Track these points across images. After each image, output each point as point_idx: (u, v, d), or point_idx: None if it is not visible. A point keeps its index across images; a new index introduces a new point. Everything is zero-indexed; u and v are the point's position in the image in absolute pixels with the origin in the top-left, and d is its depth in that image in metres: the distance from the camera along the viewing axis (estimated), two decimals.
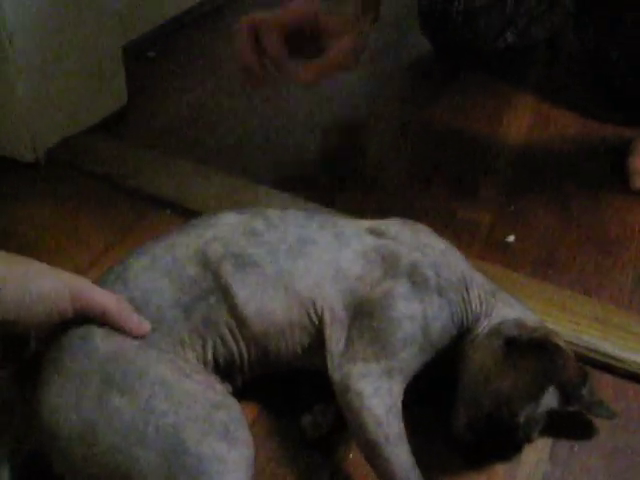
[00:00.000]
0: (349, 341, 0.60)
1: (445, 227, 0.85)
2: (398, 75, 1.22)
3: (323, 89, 1.04)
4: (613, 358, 0.71)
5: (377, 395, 0.57)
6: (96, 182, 0.92)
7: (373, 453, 0.56)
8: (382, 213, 0.72)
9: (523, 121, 1.09)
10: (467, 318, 0.64)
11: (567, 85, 1.17)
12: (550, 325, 0.70)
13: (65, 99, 0.95)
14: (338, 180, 0.96)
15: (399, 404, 0.58)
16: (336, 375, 0.59)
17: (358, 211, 0.78)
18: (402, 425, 0.57)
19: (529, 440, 0.61)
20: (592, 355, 0.72)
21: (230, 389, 0.60)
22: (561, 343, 0.60)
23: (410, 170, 0.99)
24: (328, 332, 0.60)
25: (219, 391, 0.56)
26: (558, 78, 1.20)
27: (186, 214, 0.84)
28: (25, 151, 0.92)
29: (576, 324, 0.74)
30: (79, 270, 0.78)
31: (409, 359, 0.60)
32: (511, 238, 0.87)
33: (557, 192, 0.96)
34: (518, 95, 1.15)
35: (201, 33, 1.30)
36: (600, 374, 0.71)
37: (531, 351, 0.60)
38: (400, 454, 0.56)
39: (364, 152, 1.06)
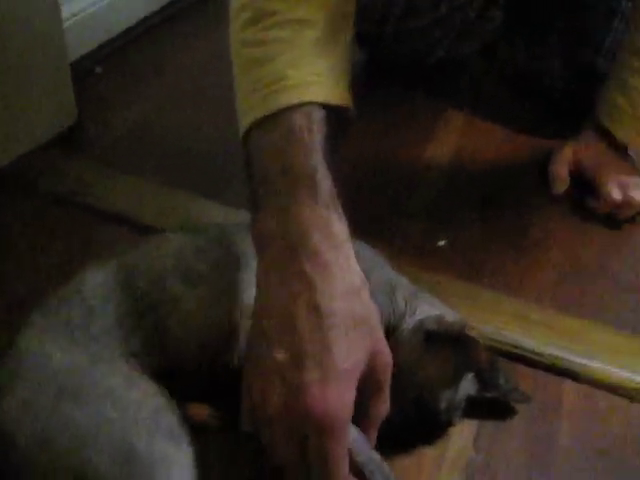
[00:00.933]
0: None
1: (380, 235, 0.91)
2: None
3: None
4: (533, 352, 0.78)
5: None
6: (51, 200, 0.95)
7: None
8: None
9: (454, 133, 1.16)
10: (394, 316, 0.71)
11: (496, 97, 1.24)
12: (475, 323, 0.76)
13: (14, 118, 0.98)
14: None
15: None
16: None
17: None
18: None
19: (451, 423, 0.68)
20: (513, 350, 0.78)
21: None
22: (475, 335, 0.67)
23: (345, 181, 1.05)
24: None
25: (163, 396, 0.61)
26: (488, 90, 1.27)
27: (140, 229, 0.89)
28: None
29: (499, 322, 0.81)
30: (38, 289, 0.81)
31: None
32: (442, 243, 0.94)
33: (485, 199, 1.03)
34: (449, 108, 1.21)
35: (147, 46, 1.34)
36: (521, 367, 0.78)
37: (448, 343, 0.67)
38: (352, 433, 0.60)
39: None
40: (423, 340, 0.67)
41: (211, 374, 0.66)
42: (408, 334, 0.69)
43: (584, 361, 0.77)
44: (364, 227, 0.90)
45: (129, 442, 0.56)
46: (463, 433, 0.70)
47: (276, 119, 0.63)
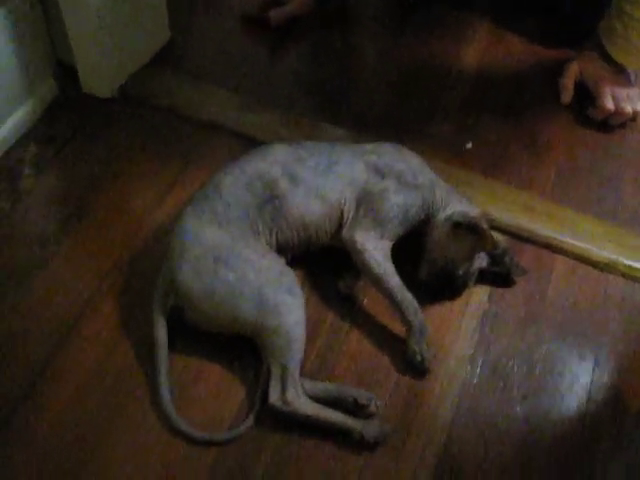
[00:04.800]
0: (356, 219, 0.93)
1: (419, 138, 1.16)
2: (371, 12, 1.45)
3: None
4: (535, 234, 1.05)
5: (376, 248, 0.92)
6: (161, 113, 1.17)
7: (379, 283, 0.91)
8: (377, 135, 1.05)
9: (479, 45, 1.36)
10: (432, 208, 0.97)
11: (517, 12, 1.42)
12: (493, 212, 1.04)
13: (126, 40, 1.17)
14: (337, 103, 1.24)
15: (389, 254, 0.93)
16: (347, 238, 0.93)
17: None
18: (393, 265, 0.92)
19: (467, 286, 0.97)
20: (521, 233, 1.05)
21: (286, 261, 0.93)
22: (486, 227, 0.93)
23: (391, 87, 1.28)
24: (345, 217, 0.94)
25: (283, 264, 0.90)
26: (510, 6, 1.44)
27: (238, 137, 1.12)
28: (104, 88, 1.18)
29: (511, 211, 1.07)
30: (162, 191, 1.06)
31: (394, 229, 0.94)
32: (469, 145, 1.18)
33: (505, 106, 1.25)
34: (475, 22, 1.40)
35: None
36: (526, 245, 1.05)
37: (468, 231, 0.93)
38: (395, 281, 0.91)
39: (353, 78, 1.32)
40: (451, 227, 0.94)
41: (306, 248, 0.94)
42: (441, 222, 0.96)
43: (572, 241, 1.04)
44: (408, 129, 1.16)
45: (263, 294, 0.85)
46: (480, 293, 0.99)
47: None
